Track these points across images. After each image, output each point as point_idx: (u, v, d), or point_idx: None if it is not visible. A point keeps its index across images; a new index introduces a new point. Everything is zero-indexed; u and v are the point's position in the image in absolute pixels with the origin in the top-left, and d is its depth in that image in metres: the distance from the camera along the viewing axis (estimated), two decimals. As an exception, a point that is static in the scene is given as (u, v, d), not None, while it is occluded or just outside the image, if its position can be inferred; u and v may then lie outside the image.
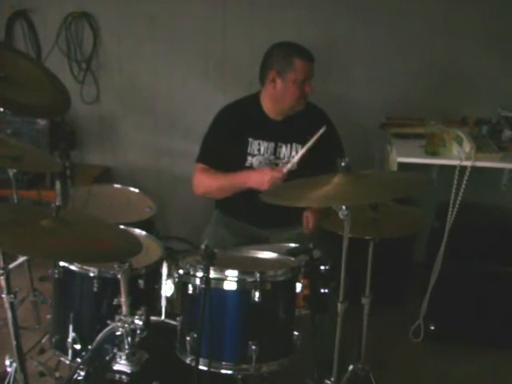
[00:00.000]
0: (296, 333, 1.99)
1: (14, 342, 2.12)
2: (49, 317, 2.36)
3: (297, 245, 2.32)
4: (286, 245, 2.35)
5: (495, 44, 3.45)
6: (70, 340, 2.14)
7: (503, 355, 3.03)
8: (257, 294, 1.85)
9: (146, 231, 2.44)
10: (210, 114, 2.81)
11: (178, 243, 2.98)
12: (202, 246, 1.81)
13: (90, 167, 3.88)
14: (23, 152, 2.15)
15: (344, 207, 1.86)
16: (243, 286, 1.88)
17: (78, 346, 2.14)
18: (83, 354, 2.11)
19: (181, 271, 1.96)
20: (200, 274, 1.88)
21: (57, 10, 3.66)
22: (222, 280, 1.87)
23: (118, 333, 1.97)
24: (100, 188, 2.99)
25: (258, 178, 2.50)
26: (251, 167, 2.70)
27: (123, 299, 1.92)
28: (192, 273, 1.92)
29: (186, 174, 3.67)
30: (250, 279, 1.87)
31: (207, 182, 2.70)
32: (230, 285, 1.88)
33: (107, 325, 2.01)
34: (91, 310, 2.20)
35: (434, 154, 3.01)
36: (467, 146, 2.89)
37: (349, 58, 3.61)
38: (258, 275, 1.85)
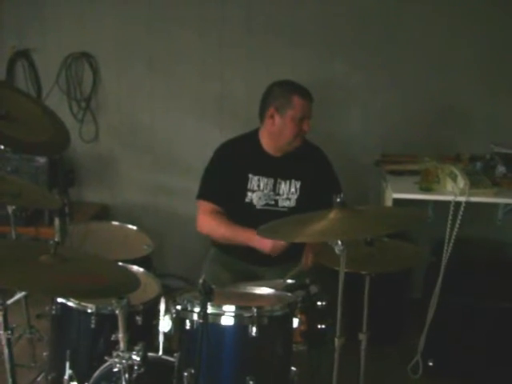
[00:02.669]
0: (293, 368, 1.99)
1: (10, 380, 2.11)
2: (45, 354, 2.36)
3: (293, 281, 2.33)
4: (284, 280, 2.36)
5: (488, 81, 3.51)
6: (66, 377, 2.11)
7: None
8: (254, 329, 1.86)
9: (144, 268, 2.45)
10: (207, 152, 2.85)
11: (175, 281, 2.99)
12: (200, 281, 1.82)
13: (89, 205, 3.90)
14: (22, 189, 2.17)
15: (340, 242, 1.88)
16: (240, 321, 1.88)
17: (74, 384, 2.13)
18: (80, 391, 2.10)
19: (178, 307, 1.97)
20: (197, 309, 1.89)
21: (57, 50, 3.74)
22: (219, 315, 1.88)
23: (115, 369, 1.95)
24: (98, 225, 3.00)
25: (261, 243, 2.55)
26: (251, 203, 2.73)
27: (121, 335, 1.92)
28: (189, 308, 1.93)
29: (184, 211, 3.74)
30: (247, 314, 1.87)
31: (212, 227, 2.74)
32: (227, 320, 1.89)
33: (104, 361, 2.00)
34: (88, 346, 2.20)
35: (428, 190, 3.04)
36: (461, 182, 2.93)
37: (344, 96, 3.66)
38: (254, 310, 1.86)
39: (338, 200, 1.95)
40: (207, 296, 1.81)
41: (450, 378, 3.06)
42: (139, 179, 3.92)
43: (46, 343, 2.45)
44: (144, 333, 2.14)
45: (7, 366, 2.15)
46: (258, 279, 2.68)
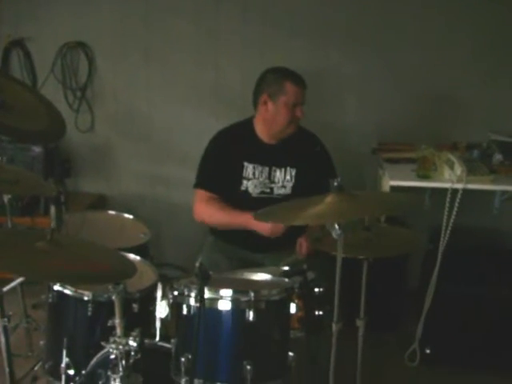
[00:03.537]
0: (291, 353, 1.98)
1: (7, 369, 2.11)
2: (42, 343, 2.35)
3: (290, 267, 2.33)
4: (280, 267, 2.36)
5: (485, 69, 3.51)
6: (63, 365, 2.11)
7: (499, 378, 3.00)
8: (251, 314, 1.85)
9: (141, 257, 2.44)
10: (204, 141, 2.83)
11: (172, 270, 2.97)
12: (197, 265, 1.81)
13: (85, 195, 3.89)
14: (20, 176, 2.17)
15: (337, 226, 1.88)
16: (237, 305, 1.88)
17: (71, 372, 2.11)
18: (77, 379, 2.09)
19: (175, 292, 1.96)
20: (194, 293, 1.88)
21: (53, 40, 3.72)
22: (216, 299, 1.87)
23: (112, 357, 1.95)
24: (94, 214, 2.99)
25: (260, 225, 2.52)
26: (247, 191, 2.72)
27: (117, 320, 1.91)
28: (186, 293, 1.92)
29: (180, 201, 3.73)
30: (244, 298, 1.87)
31: (208, 214, 2.72)
32: (225, 304, 1.88)
33: (101, 349, 2.00)
34: (85, 334, 2.18)
35: (425, 177, 3.04)
36: (458, 169, 2.92)
37: (340, 84, 3.65)
38: (252, 294, 1.86)
39: (336, 184, 1.95)
40: (204, 279, 1.81)
41: (447, 365, 3.06)
42: (136, 169, 3.91)
43: (43, 332, 2.44)
44: (140, 320, 2.13)
45: (4, 354, 2.14)
46: (257, 266, 2.67)
